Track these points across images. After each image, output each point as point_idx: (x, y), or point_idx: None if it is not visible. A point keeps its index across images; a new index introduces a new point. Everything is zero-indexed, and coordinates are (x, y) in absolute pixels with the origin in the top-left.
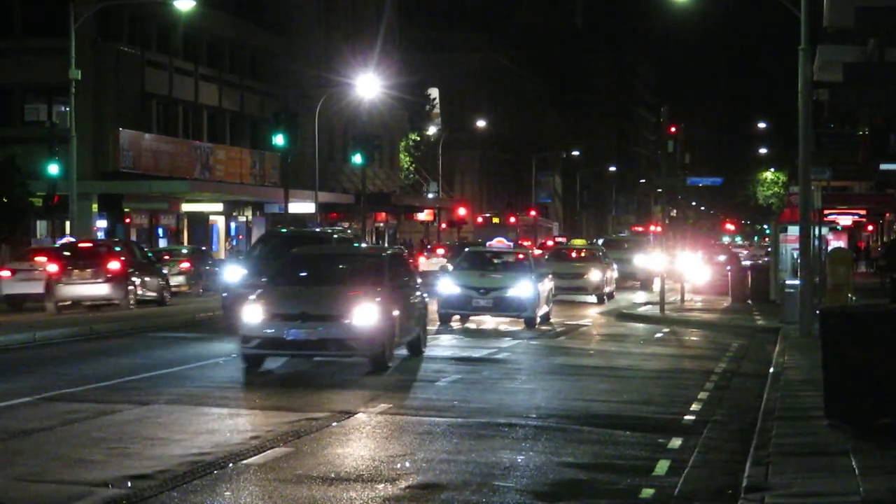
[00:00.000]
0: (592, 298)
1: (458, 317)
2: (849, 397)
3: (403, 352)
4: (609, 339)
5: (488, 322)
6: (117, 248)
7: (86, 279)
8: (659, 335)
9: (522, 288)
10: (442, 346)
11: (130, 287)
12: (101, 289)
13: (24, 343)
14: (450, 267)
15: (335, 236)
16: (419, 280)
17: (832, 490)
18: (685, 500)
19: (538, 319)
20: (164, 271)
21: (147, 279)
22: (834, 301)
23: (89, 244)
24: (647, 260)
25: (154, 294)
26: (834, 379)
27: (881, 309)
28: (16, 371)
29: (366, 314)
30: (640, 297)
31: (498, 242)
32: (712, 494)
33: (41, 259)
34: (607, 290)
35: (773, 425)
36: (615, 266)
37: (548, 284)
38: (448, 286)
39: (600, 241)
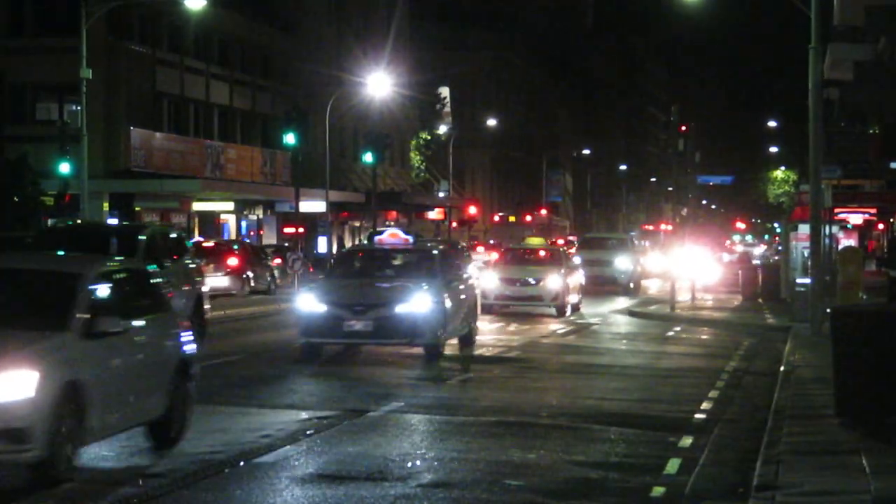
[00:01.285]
0: (551, 310)
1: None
2: (860, 396)
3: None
4: (619, 337)
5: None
6: (235, 247)
7: (209, 273)
8: (669, 334)
9: (418, 302)
10: None
11: (245, 279)
12: (222, 281)
13: None
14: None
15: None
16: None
17: (843, 489)
18: (696, 499)
19: (443, 347)
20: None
21: (258, 273)
22: (845, 299)
23: (212, 244)
24: (632, 261)
25: (264, 286)
26: (845, 377)
27: (892, 308)
28: None
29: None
30: (619, 304)
31: (391, 236)
32: (723, 493)
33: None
34: (571, 299)
35: (783, 424)
36: (582, 270)
37: (467, 294)
38: (309, 303)
39: (574, 240)
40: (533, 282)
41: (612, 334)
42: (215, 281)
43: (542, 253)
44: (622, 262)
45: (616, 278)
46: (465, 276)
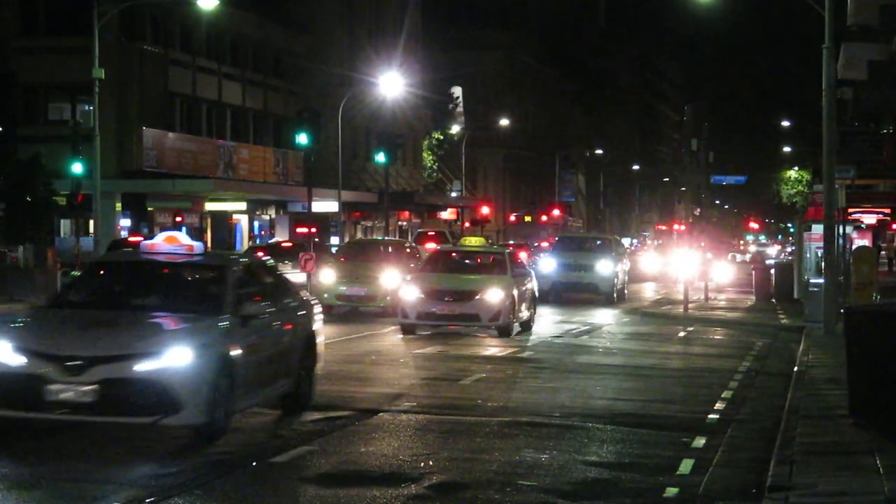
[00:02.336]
0: (491, 330)
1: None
2: (874, 396)
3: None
4: (632, 337)
5: None
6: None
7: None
8: (682, 334)
9: (174, 356)
10: None
11: None
12: (299, 278)
13: None
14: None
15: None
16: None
17: (856, 489)
18: (709, 499)
19: (219, 428)
20: None
21: None
22: (859, 299)
23: (290, 243)
24: (615, 265)
25: None
26: (858, 378)
27: None
28: None
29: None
30: (596, 318)
31: (167, 241)
32: (736, 493)
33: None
34: (522, 315)
35: (797, 424)
36: (533, 279)
37: (296, 332)
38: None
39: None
40: (467, 296)
41: (624, 334)
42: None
43: (481, 257)
44: (604, 267)
45: (597, 285)
46: (296, 304)
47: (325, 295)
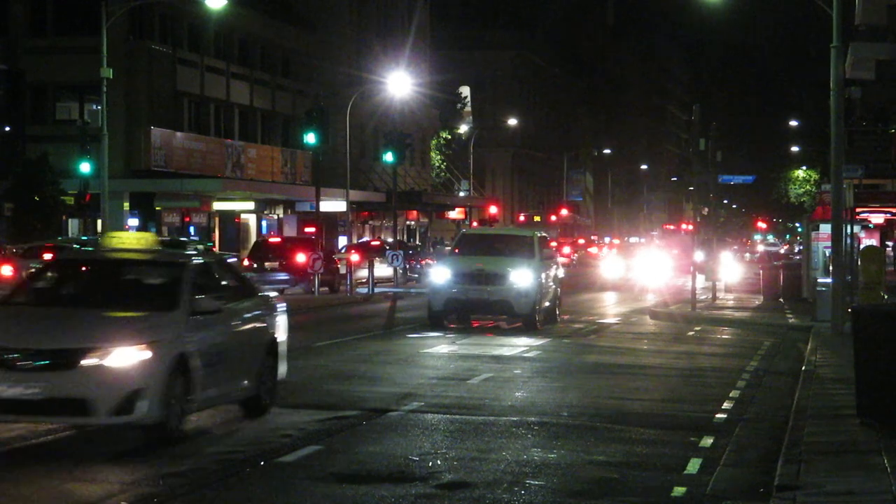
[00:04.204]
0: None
1: None
2: (881, 396)
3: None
4: (640, 337)
5: None
6: (399, 244)
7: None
8: (690, 333)
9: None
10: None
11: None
12: (388, 271)
13: None
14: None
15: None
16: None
17: (864, 489)
18: (717, 499)
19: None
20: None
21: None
22: (866, 299)
23: (378, 242)
24: (538, 275)
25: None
26: (866, 377)
27: None
28: None
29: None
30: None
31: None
32: (744, 493)
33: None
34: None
35: (804, 424)
36: (454, 289)
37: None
38: None
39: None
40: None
41: (633, 334)
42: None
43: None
44: (521, 277)
45: (510, 304)
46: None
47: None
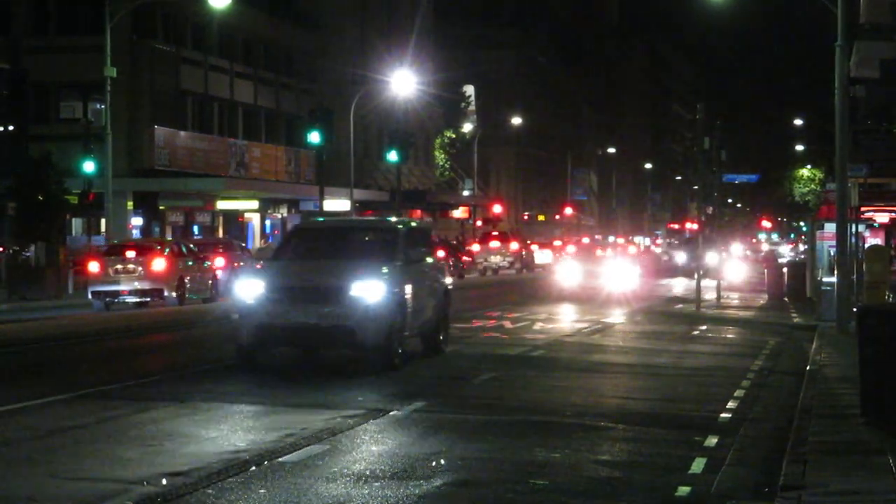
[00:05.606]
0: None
1: None
2: (886, 395)
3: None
4: (644, 336)
5: None
6: (438, 242)
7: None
8: (695, 333)
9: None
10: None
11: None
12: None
13: None
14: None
15: None
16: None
17: (869, 489)
18: (721, 498)
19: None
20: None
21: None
22: (871, 299)
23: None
24: (399, 289)
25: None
26: (871, 377)
27: None
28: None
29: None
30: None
31: None
32: (749, 492)
33: None
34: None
35: (809, 423)
36: (274, 306)
37: None
38: None
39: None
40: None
41: (637, 333)
42: None
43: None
44: (369, 291)
45: (352, 330)
46: None
47: None
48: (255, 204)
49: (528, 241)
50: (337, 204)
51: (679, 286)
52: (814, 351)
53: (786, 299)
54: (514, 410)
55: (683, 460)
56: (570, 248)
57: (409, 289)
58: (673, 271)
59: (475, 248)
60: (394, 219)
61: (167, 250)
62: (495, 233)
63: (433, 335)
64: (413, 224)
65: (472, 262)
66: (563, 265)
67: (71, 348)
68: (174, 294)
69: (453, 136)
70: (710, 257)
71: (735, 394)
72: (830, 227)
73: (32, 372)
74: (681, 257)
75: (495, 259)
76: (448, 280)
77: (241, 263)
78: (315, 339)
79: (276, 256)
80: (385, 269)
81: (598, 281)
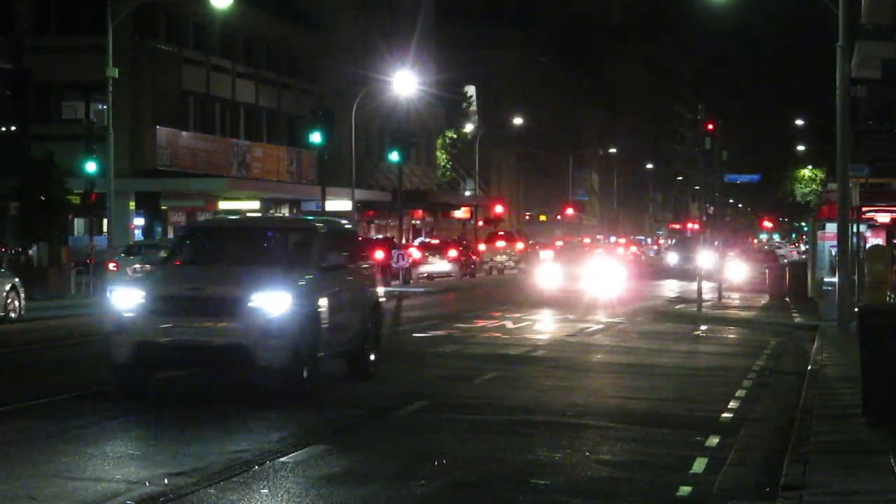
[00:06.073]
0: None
1: None
2: (887, 395)
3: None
4: (645, 336)
5: None
6: (453, 242)
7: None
8: (696, 333)
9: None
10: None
11: (462, 266)
12: (445, 266)
13: None
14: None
15: None
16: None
17: (870, 488)
18: (723, 498)
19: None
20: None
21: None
22: (873, 298)
23: (437, 240)
24: (303, 300)
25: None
26: (872, 377)
27: None
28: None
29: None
30: None
31: None
32: (750, 492)
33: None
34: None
35: (811, 423)
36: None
37: None
38: None
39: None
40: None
41: (639, 333)
42: (439, 266)
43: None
44: (272, 303)
45: (250, 352)
46: None
47: None
48: (256, 204)
49: (534, 242)
50: (338, 204)
51: (669, 290)
52: (815, 351)
53: (787, 299)
54: (515, 410)
55: (685, 460)
56: (546, 253)
57: (324, 301)
58: (664, 273)
59: (481, 247)
60: (311, 217)
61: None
62: (501, 233)
63: (360, 356)
64: (336, 224)
65: (480, 261)
66: (543, 267)
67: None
68: None
69: (454, 136)
70: (708, 258)
71: (736, 394)
72: (832, 227)
73: None
74: (673, 258)
75: (500, 259)
76: (380, 290)
77: None
78: (204, 360)
79: (166, 260)
80: (294, 277)
81: (579, 284)
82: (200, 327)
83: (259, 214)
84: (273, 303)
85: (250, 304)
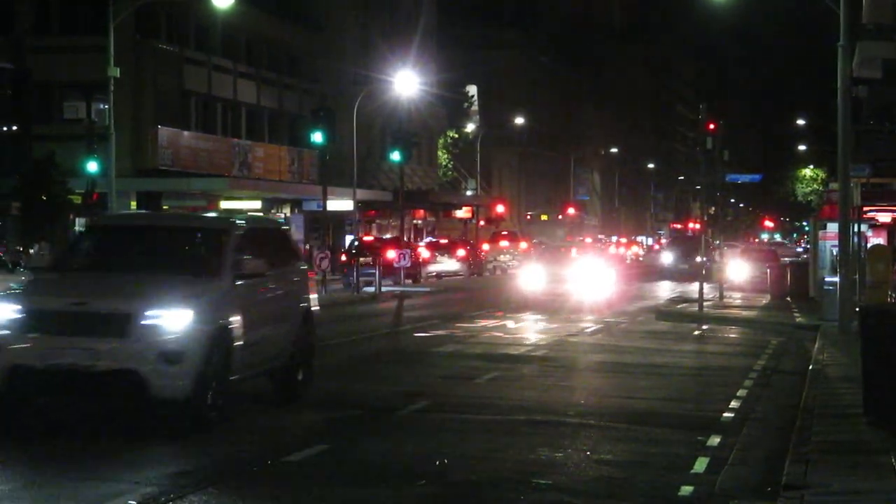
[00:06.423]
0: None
1: None
2: (889, 395)
3: None
4: (646, 336)
5: None
6: (461, 242)
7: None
8: (697, 332)
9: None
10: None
11: (470, 265)
12: (454, 265)
13: None
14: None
15: None
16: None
17: (871, 488)
18: (724, 498)
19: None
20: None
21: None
22: (874, 298)
23: (446, 239)
24: (210, 315)
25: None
26: (874, 376)
27: None
28: None
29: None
30: None
31: None
32: (751, 492)
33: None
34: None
35: (812, 423)
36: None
37: None
38: None
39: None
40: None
41: (640, 333)
42: (448, 265)
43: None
44: (171, 320)
45: (143, 378)
46: None
47: None
48: (258, 204)
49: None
50: (340, 204)
51: (660, 295)
52: (816, 351)
53: (788, 299)
54: (516, 410)
55: (686, 460)
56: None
57: (238, 315)
58: (656, 274)
59: (485, 247)
60: (230, 217)
61: None
62: (504, 232)
63: (286, 375)
64: (260, 223)
65: (483, 261)
66: (528, 268)
67: None
68: None
69: (456, 136)
70: (707, 258)
71: (738, 393)
72: (833, 227)
73: None
74: (667, 258)
75: (504, 258)
76: (313, 297)
77: None
78: (87, 387)
79: (52, 267)
80: (200, 288)
81: (563, 287)
82: (84, 349)
83: (179, 212)
84: (171, 320)
85: (143, 323)
